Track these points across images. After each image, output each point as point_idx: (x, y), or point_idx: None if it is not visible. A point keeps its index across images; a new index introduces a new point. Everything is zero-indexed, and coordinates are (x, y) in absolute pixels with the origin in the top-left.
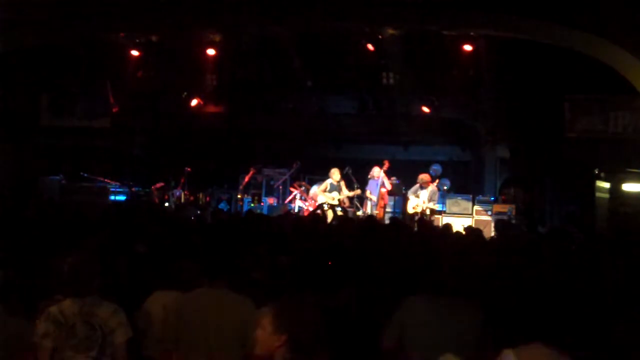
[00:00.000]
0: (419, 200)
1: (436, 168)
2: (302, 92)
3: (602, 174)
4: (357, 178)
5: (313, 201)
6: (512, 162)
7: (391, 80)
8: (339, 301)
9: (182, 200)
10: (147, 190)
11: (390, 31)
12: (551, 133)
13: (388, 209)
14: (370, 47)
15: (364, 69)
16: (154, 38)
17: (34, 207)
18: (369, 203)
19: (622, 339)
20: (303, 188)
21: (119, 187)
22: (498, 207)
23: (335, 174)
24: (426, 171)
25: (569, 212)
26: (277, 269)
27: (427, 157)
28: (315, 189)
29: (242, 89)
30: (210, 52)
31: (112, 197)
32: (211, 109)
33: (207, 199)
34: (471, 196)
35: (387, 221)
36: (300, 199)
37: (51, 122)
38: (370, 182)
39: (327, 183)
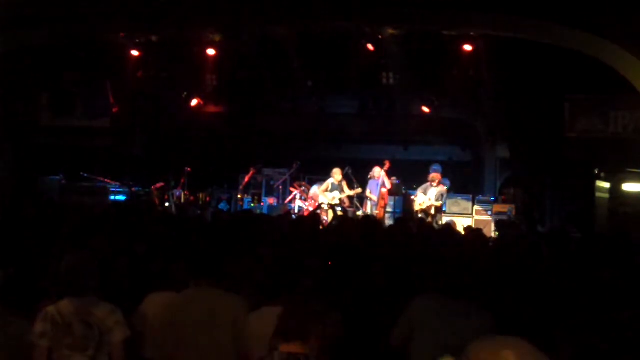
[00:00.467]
0: (426, 198)
1: (436, 168)
2: (302, 92)
3: (602, 174)
4: (357, 178)
5: (313, 201)
6: (512, 162)
7: (391, 80)
8: (339, 302)
9: (182, 200)
10: (147, 190)
11: (390, 31)
12: (551, 133)
13: (388, 209)
14: (370, 47)
15: (364, 69)
16: (154, 38)
17: (34, 207)
18: (369, 203)
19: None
20: (303, 188)
21: (119, 187)
22: (498, 207)
23: (337, 174)
24: (437, 171)
25: (569, 212)
26: (276, 269)
27: (427, 157)
28: (315, 189)
29: (242, 89)
30: (210, 52)
31: (112, 197)
32: (211, 109)
33: (207, 199)
34: (471, 196)
35: (387, 221)
36: (300, 199)
37: (51, 122)
38: (371, 182)
39: (329, 183)
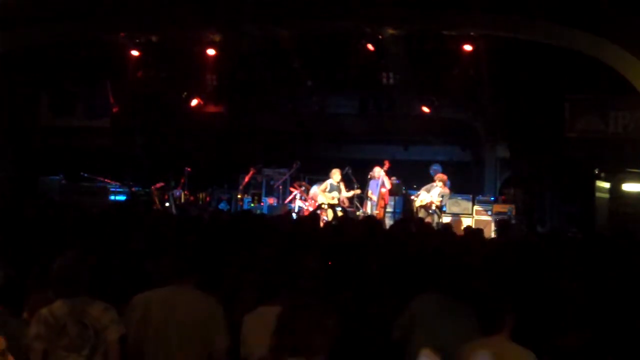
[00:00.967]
0: (428, 196)
1: (436, 168)
2: (302, 92)
3: (602, 174)
4: (357, 178)
5: (313, 201)
6: (512, 162)
7: (391, 80)
8: (339, 303)
9: (182, 200)
10: (147, 190)
11: (390, 31)
12: (551, 133)
13: (388, 209)
14: (370, 47)
15: (364, 69)
16: (154, 38)
17: (34, 207)
18: (369, 203)
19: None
20: (303, 188)
21: (119, 187)
22: (498, 207)
23: (335, 175)
24: (438, 171)
25: (569, 212)
26: (275, 269)
27: (427, 157)
28: (315, 189)
29: (242, 89)
30: (210, 52)
31: (112, 197)
32: (211, 109)
33: (207, 199)
34: (471, 196)
35: (387, 221)
36: (300, 199)
37: (51, 122)
38: (371, 182)
39: (327, 183)
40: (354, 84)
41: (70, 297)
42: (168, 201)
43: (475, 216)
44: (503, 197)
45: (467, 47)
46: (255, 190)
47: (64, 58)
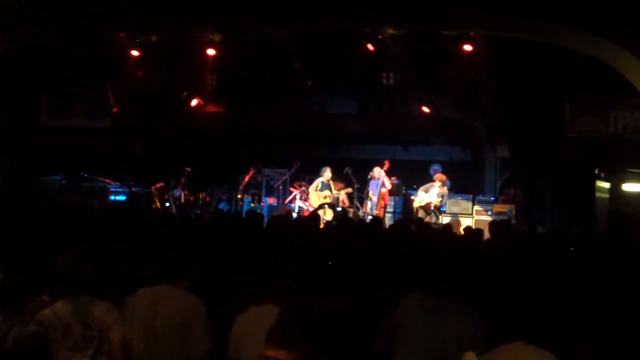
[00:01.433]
0: (427, 196)
1: (436, 168)
2: (302, 92)
3: (602, 174)
4: (357, 178)
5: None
6: (512, 162)
7: (391, 80)
8: (339, 303)
9: (182, 200)
10: (147, 190)
11: (390, 31)
12: (551, 133)
13: (388, 209)
14: (370, 47)
15: (364, 69)
16: (154, 38)
17: (34, 207)
18: (369, 203)
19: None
20: (303, 188)
21: (119, 187)
22: (498, 207)
23: (326, 173)
24: (438, 171)
25: (569, 212)
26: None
27: (427, 157)
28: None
29: (242, 89)
30: (210, 52)
31: (112, 197)
32: (211, 109)
33: (207, 199)
34: (471, 196)
35: (387, 221)
36: (300, 199)
37: (51, 122)
38: (371, 182)
39: (318, 181)
40: (354, 84)
41: (72, 297)
42: (168, 201)
43: (475, 216)
44: (503, 197)
45: (467, 47)
46: (255, 190)
47: (64, 58)
